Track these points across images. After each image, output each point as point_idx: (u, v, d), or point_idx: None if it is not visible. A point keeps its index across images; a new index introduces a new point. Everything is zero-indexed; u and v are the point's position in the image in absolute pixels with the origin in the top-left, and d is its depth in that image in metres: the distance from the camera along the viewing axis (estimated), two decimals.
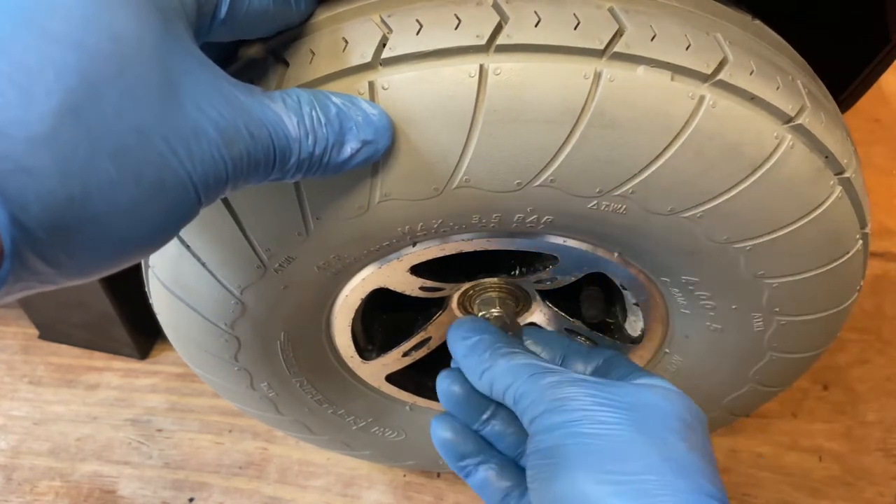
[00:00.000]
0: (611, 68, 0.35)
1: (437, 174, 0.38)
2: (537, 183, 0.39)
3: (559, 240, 0.46)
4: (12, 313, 1.01)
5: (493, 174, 0.38)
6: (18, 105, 0.22)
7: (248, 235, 0.42)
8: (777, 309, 0.49)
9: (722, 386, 0.59)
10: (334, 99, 0.33)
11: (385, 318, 0.62)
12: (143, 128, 0.25)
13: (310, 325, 0.54)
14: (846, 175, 0.42)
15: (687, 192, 0.40)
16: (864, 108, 0.73)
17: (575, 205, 0.41)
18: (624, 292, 0.54)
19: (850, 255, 0.46)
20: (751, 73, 0.37)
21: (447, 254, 0.47)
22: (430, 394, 0.64)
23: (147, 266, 0.49)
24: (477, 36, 0.35)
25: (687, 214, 0.41)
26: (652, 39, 0.36)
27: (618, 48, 0.35)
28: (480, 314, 0.55)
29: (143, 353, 0.97)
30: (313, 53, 0.36)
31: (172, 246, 0.44)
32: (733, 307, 0.49)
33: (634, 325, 0.58)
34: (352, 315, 0.53)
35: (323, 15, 0.37)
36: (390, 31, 0.35)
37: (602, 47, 0.35)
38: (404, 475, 0.84)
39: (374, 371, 0.61)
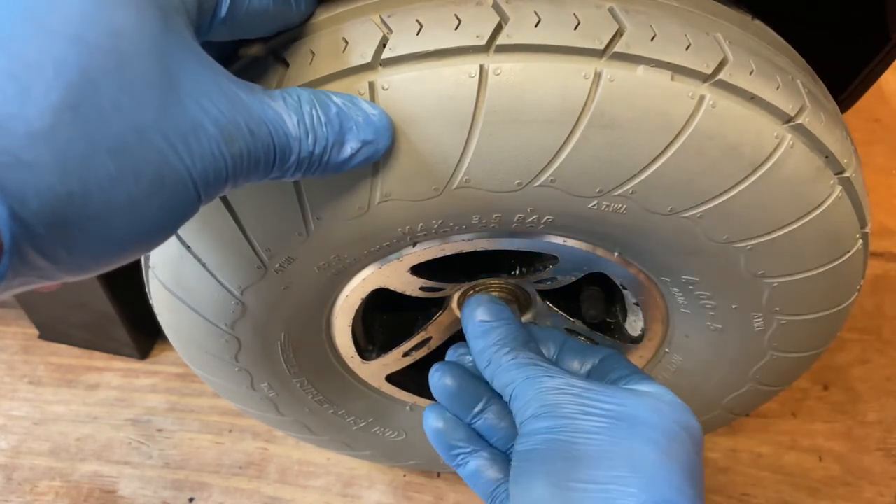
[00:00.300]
0: (611, 68, 0.35)
1: (437, 174, 0.38)
2: (537, 183, 0.39)
3: (559, 240, 0.46)
4: (12, 313, 1.01)
5: (493, 174, 0.38)
6: (18, 100, 0.22)
7: (249, 236, 0.42)
8: (777, 308, 0.49)
9: (722, 385, 0.59)
10: (334, 98, 0.33)
11: (385, 319, 0.62)
12: (143, 124, 0.25)
13: (310, 326, 0.54)
14: (846, 175, 0.42)
15: (687, 191, 0.40)
16: (864, 108, 0.73)
17: (575, 205, 0.41)
18: (624, 292, 0.54)
19: (850, 254, 0.46)
20: (751, 73, 0.37)
21: (447, 254, 0.47)
22: (431, 394, 0.64)
23: (147, 267, 0.49)
24: (477, 36, 0.35)
25: (687, 214, 0.41)
26: (652, 39, 0.36)
27: (618, 48, 0.35)
28: None
29: (143, 353, 0.97)
30: (313, 54, 0.36)
31: (173, 247, 0.44)
32: (733, 307, 0.49)
33: (634, 325, 0.58)
34: (352, 315, 0.53)
35: (323, 15, 0.37)
36: (390, 31, 0.35)
37: (602, 47, 0.35)
38: (404, 475, 0.84)
39: (375, 371, 0.61)
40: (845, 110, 0.55)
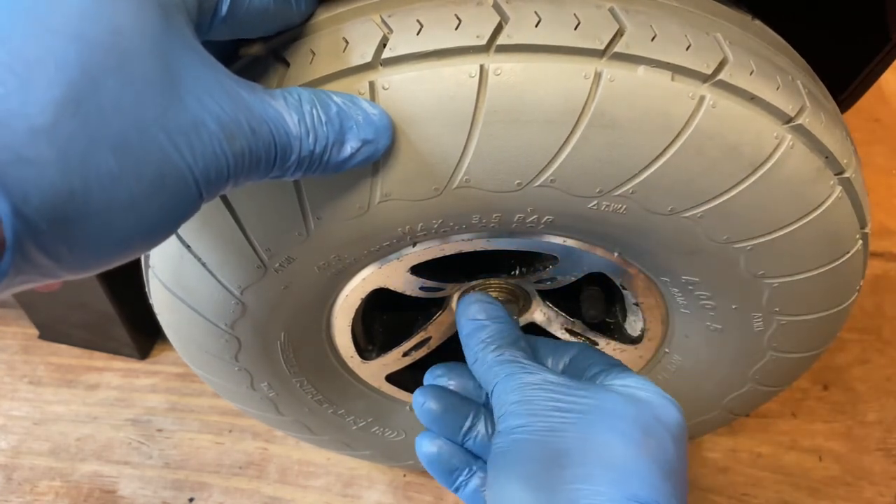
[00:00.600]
0: (611, 68, 0.35)
1: (437, 174, 0.38)
2: (537, 183, 0.39)
3: (559, 240, 0.46)
4: (12, 313, 1.01)
5: (493, 174, 0.38)
6: (19, 96, 0.22)
7: (249, 236, 0.42)
8: (777, 309, 0.49)
9: (722, 385, 0.59)
10: (335, 98, 0.33)
11: (385, 319, 0.62)
12: (144, 121, 0.25)
13: (310, 326, 0.54)
14: (846, 175, 0.42)
15: (687, 191, 0.40)
16: (864, 108, 0.73)
17: (575, 205, 0.41)
18: (624, 292, 0.54)
19: (850, 254, 0.46)
20: (751, 73, 0.37)
21: (447, 254, 0.47)
22: None
23: (147, 266, 0.49)
24: (477, 36, 0.35)
25: (687, 214, 0.41)
26: (652, 39, 0.36)
27: (618, 48, 0.35)
28: None
29: (143, 353, 0.97)
30: (314, 53, 0.36)
31: (173, 246, 0.44)
32: (733, 307, 0.49)
33: (634, 325, 0.58)
34: (352, 315, 0.53)
35: (323, 15, 0.37)
36: (390, 31, 0.36)
37: (602, 47, 0.35)
38: (404, 475, 0.84)
39: (375, 371, 0.61)
40: (845, 110, 0.55)
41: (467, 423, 0.47)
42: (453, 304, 0.57)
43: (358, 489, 0.83)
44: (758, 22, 0.43)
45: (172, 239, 0.44)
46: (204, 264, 0.45)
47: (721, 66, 0.37)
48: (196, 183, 0.28)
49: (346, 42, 0.36)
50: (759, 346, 0.53)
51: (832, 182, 0.41)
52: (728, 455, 0.86)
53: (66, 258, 0.25)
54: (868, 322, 0.98)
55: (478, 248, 0.47)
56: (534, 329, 0.60)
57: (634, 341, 0.59)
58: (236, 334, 0.51)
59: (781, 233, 0.42)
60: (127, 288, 0.85)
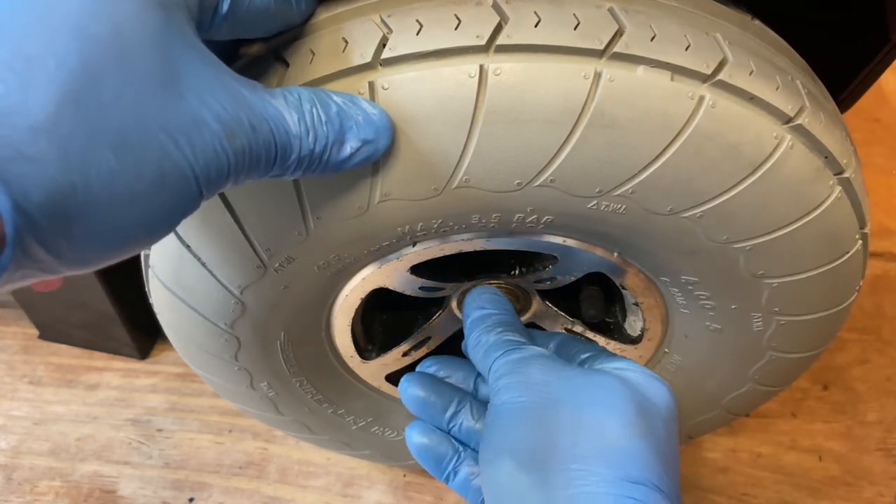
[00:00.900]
0: (610, 68, 0.35)
1: (437, 174, 0.38)
2: (537, 183, 0.39)
3: (559, 240, 0.46)
4: (12, 313, 1.01)
5: (493, 174, 0.38)
6: (19, 93, 0.22)
7: (249, 235, 0.42)
8: (777, 308, 0.49)
9: (721, 385, 0.59)
10: (335, 98, 0.33)
11: (385, 318, 0.62)
12: (144, 117, 0.25)
13: (310, 325, 0.54)
14: (846, 175, 0.42)
15: (687, 191, 0.40)
16: (864, 108, 0.73)
17: (575, 205, 0.41)
18: (624, 292, 0.54)
19: (849, 254, 0.46)
20: (750, 74, 0.37)
21: (447, 254, 0.47)
22: None
23: (147, 266, 0.49)
24: (477, 36, 0.35)
25: (687, 214, 0.41)
26: (652, 39, 0.36)
27: (617, 48, 0.35)
28: None
29: (143, 353, 0.97)
30: (313, 53, 0.36)
31: (173, 246, 0.44)
32: (733, 307, 0.49)
33: (634, 325, 0.58)
34: (352, 315, 0.53)
35: (323, 15, 0.37)
36: (390, 31, 0.36)
37: (602, 47, 0.35)
38: (404, 475, 0.84)
39: (374, 371, 0.61)
40: (845, 110, 0.55)
41: (451, 409, 0.47)
42: (453, 303, 0.57)
43: (358, 489, 0.83)
44: (757, 22, 0.43)
45: (172, 239, 0.44)
46: (204, 264, 0.45)
47: (721, 66, 0.37)
48: (196, 180, 0.28)
49: (346, 42, 0.36)
50: (758, 345, 0.53)
51: (832, 182, 0.41)
52: (728, 455, 0.86)
53: (66, 253, 0.25)
54: (868, 322, 0.98)
55: (477, 248, 0.47)
56: (534, 329, 0.60)
57: (634, 341, 0.59)
58: (236, 334, 0.51)
59: (781, 233, 0.42)
60: (127, 288, 0.85)
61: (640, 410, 0.39)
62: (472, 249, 0.47)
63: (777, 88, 0.38)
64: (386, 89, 0.35)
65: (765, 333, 0.51)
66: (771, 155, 0.39)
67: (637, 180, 0.39)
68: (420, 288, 0.52)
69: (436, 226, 0.43)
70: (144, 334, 0.96)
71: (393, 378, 0.62)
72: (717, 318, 0.51)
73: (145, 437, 0.89)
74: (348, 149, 0.34)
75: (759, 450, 0.86)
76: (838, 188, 0.42)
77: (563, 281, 0.52)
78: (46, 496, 0.84)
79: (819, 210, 0.42)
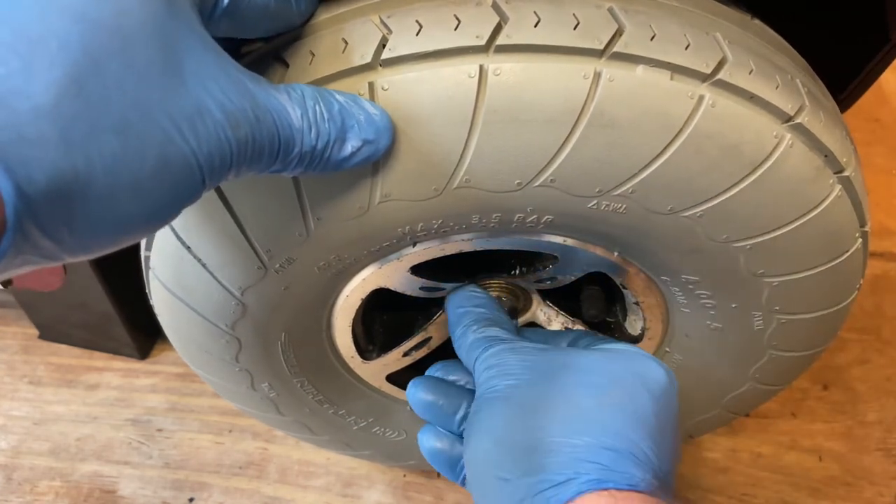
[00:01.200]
0: (610, 68, 0.35)
1: (437, 174, 0.38)
2: (537, 183, 0.39)
3: (559, 239, 0.46)
4: (12, 313, 1.01)
5: (493, 174, 0.38)
6: (21, 75, 0.22)
7: (249, 236, 0.42)
8: (777, 307, 0.49)
9: (722, 384, 0.59)
10: (337, 96, 0.34)
11: (385, 319, 0.62)
12: (146, 103, 0.25)
13: (311, 326, 0.54)
14: (845, 174, 0.42)
15: (687, 191, 0.40)
16: (864, 107, 0.74)
17: (575, 205, 0.41)
18: (624, 292, 0.54)
19: (849, 253, 0.46)
20: (750, 73, 0.37)
21: (447, 254, 0.48)
22: None
23: (148, 267, 0.49)
24: (477, 36, 0.35)
25: (687, 213, 0.41)
26: (651, 39, 0.36)
27: (617, 48, 0.35)
28: None
29: (143, 353, 0.97)
30: (313, 54, 0.36)
31: (173, 247, 0.44)
32: (733, 306, 0.49)
33: (634, 325, 0.58)
34: (352, 315, 0.53)
35: (323, 16, 0.37)
36: (390, 31, 0.36)
37: (601, 47, 0.35)
38: (404, 475, 0.84)
39: (375, 371, 0.61)
40: (845, 110, 0.55)
41: (461, 412, 0.47)
42: None
43: (358, 489, 0.83)
44: (757, 21, 0.43)
45: (173, 240, 0.44)
46: (204, 265, 0.45)
47: (720, 65, 0.37)
48: (200, 168, 0.28)
49: (346, 43, 0.36)
50: (759, 344, 0.53)
51: (831, 181, 0.41)
52: (728, 455, 0.86)
53: (67, 240, 0.25)
54: (868, 322, 0.98)
55: (478, 248, 0.47)
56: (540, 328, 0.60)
57: (635, 340, 0.59)
58: (237, 335, 0.51)
59: (781, 231, 0.42)
60: (127, 288, 0.85)
61: (617, 381, 0.39)
62: (472, 249, 0.47)
63: (777, 87, 0.38)
64: (386, 90, 0.35)
65: (765, 332, 0.51)
66: (771, 154, 0.39)
67: (637, 180, 0.39)
68: (420, 288, 0.52)
69: (436, 226, 0.43)
70: (144, 334, 0.96)
71: (394, 378, 0.62)
72: (718, 317, 0.51)
73: (145, 437, 0.89)
74: (349, 148, 0.34)
75: (759, 450, 0.86)
76: (838, 187, 0.42)
77: (563, 280, 0.52)
78: (46, 496, 0.84)
79: (819, 209, 0.42)
